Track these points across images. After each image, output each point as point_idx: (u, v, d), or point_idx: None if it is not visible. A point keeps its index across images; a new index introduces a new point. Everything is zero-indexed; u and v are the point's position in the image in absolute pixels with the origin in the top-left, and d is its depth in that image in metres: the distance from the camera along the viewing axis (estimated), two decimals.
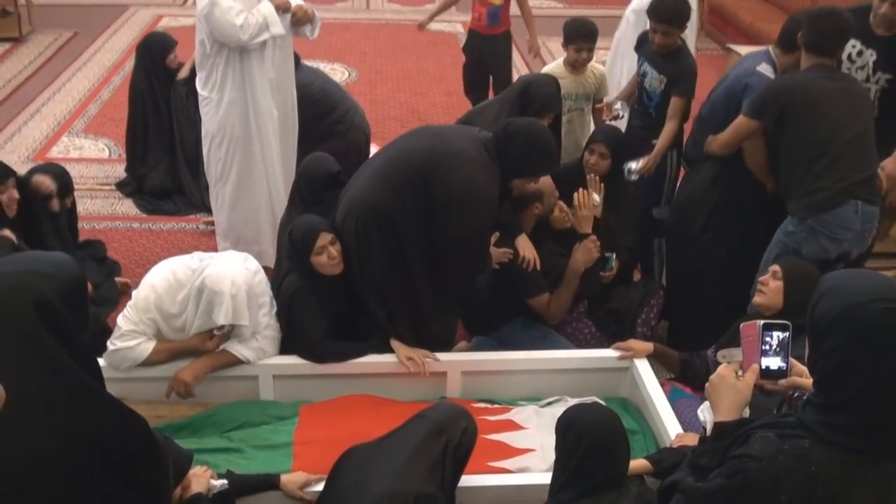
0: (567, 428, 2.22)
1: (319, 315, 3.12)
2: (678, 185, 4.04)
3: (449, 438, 2.32)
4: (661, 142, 3.88)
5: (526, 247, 3.40)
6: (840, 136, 3.21)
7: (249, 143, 3.95)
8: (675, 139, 3.94)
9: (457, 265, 3.12)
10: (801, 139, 3.26)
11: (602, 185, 3.56)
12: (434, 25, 8.90)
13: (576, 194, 3.46)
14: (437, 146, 3.06)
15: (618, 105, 4.23)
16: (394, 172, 3.06)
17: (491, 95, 5.47)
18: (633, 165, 3.83)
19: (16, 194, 3.50)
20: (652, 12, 3.82)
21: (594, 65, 4.24)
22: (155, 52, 4.93)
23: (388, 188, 3.03)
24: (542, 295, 3.45)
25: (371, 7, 9.68)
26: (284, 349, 3.18)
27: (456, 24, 8.98)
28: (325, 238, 3.04)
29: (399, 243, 3.04)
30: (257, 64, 3.80)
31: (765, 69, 3.58)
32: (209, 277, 2.88)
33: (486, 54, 5.30)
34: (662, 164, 3.95)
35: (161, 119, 5.00)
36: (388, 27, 8.86)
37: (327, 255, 3.04)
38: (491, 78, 5.44)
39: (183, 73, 4.91)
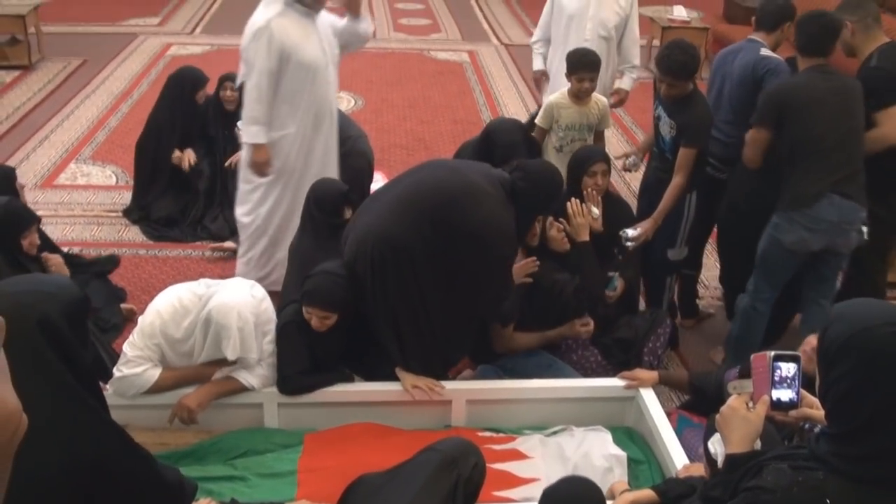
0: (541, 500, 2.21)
1: (302, 351, 3.10)
2: (729, 182, 4.03)
3: (460, 473, 2.31)
4: (665, 201, 3.77)
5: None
6: (829, 136, 3.40)
7: (307, 175, 3.95)
8: (689, 185, 3.82)
9: (482, 297, 3.17)
10: (794, 139, 3.45)
11: (600, 199, 3.65)
12: (440, 55, 9.02)
13: (569, 203, 3.54)
14: (456, 182, 3.09)
15: (631, 159, 4.26)
16: (410, 205, 3.06)
17: None
18: (631, 233, 3.72)
19: (37, 239, 3.49)
20: (658, 63, 3.79)
21: (597, 96, 4.26)
22: (186, 86, 4.98)
23: (405, 221, 3.03)
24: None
25: (377, 36, 9.77)
26: None
27: (462, 54, 9.07)
28: (320, 312, 3.00)
29: (414, 275, 3.03)
30: (320, 87, 3.88)
31: (767, 52, 3.87)
32: (216, 309, 2.88)
33: None
34: (680, 206, 3.84)
35: (173, 152, 5.03)
36: (395, 56, 8.95)
37: (314, 321, 3.03)
38: None
39: None
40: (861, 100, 3.47)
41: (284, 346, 3.09)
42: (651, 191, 4.00)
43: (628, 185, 5.48)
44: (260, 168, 3.90)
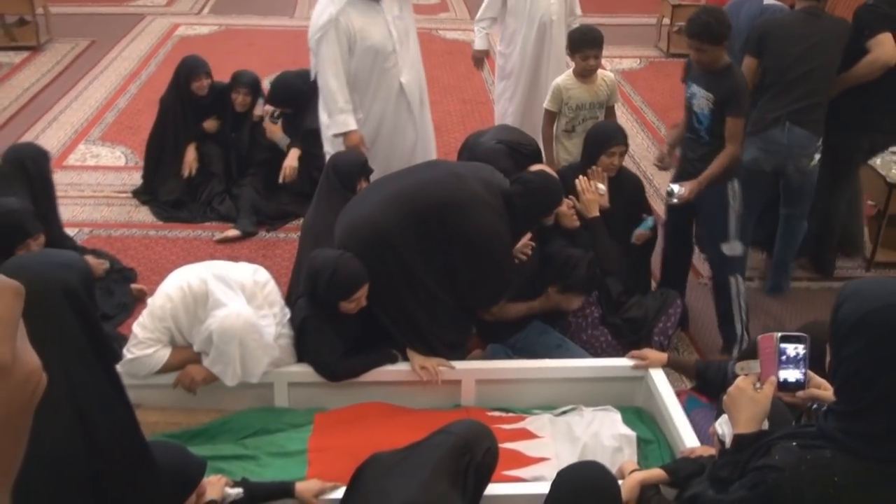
0: (553, 482, 2.24)
1: (334, 338, 3.11)
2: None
3: (472, 456, 2.32)
4: (715, 165, 3.55)
5: None
6: (793, 70, 3.79)
7: (375, 158, 3.95)
8: (732, 168, 3.62)
9: (479, 298, 3.27)
10: (765, 68, 3.86)
11: (605, 174, 3.66)
12: (449, 34, 8.96)
13: (577, 181, 3.58)
14: (458, 189, 3.13)
15: (666, 160, 4.21)
16: (406, 203, 3.10)
17: None
18: (677, 188, 3.60)
19: (35, 248, 3.33)
20: (685, 26, 3.74)
21: (604, 72, 4.24)
22: (181, 76, 4.95)
23: (398, 218, 3.07)
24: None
25: None
26: (299, 358, 3.18)
27: (470, 33, 8.97)
28: (364, 290, 3.01)
29: (402, 268, 3.08)
30: (389, 71, 3.96)
31: (771, 0, 4.20)
32: (217, 333, 2.88)
33: None
34: (724, 197, 3.66)
35: (179, 139, 5.03)
36: None
37: (356, 304, 3.03)
38: None
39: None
40: (842, 42, 3.82)
41: (314, 339, 3.09)
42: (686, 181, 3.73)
43: (644, 173, 5.47)
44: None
